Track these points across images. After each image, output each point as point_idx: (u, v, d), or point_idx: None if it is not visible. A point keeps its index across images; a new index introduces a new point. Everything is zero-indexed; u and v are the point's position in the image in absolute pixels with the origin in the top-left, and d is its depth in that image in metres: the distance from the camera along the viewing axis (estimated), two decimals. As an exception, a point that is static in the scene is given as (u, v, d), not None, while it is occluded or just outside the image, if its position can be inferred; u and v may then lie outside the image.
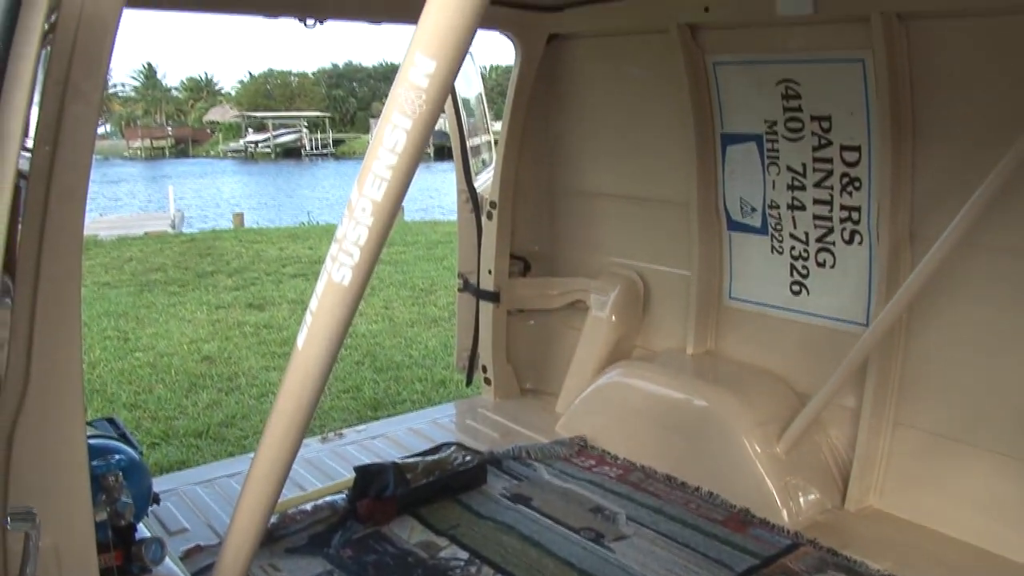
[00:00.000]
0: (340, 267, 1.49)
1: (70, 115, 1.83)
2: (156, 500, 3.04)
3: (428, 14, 1.35)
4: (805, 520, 3.86)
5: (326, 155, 69.05)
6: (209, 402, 7.66)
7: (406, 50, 1.39)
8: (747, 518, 3.91)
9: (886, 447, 3.97)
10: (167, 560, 2.48)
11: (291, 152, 68.68)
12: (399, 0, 4.32)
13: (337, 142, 72.79)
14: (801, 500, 3.93)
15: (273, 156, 67.42)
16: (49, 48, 1.81)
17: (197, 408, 7.50)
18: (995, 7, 3.30)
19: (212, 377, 8.38)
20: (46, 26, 1.64)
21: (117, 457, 2.61)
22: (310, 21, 4.21)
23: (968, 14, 3.42)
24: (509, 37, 4.98)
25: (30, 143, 1.79)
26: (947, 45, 3.55)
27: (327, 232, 19.11)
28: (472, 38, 1.38)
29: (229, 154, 70.98)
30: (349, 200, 1.47)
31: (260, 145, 69.47)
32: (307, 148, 69.65)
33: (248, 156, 68.49)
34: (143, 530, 2.68)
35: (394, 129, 1.39)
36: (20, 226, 1.84)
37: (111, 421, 4.02)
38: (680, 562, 3.56)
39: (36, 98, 1.73)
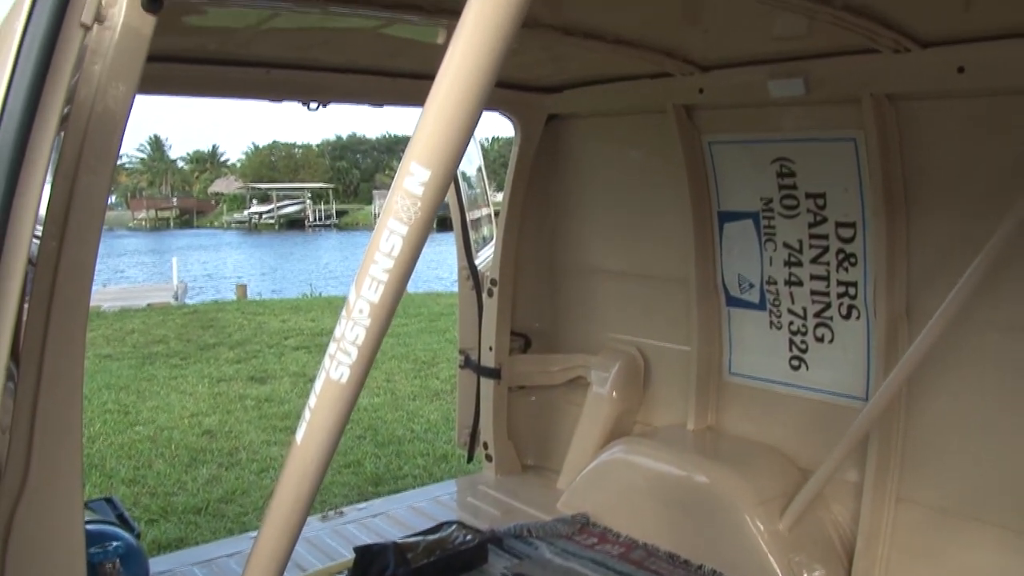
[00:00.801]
0: (338, 365, 1.52)
1: (80, 196, 1.89)
2: None
3: (423, 124, 1.40)
4: (811, 599, 3.82)
5: (329, 226, 69.64)
6: (209, 477, 7.62)
7: (402, 158, 1.44)
8: (751, 597, 3.87)
9: (890, 522, 3.93)
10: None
11: (295, 223, 69.31)
12: (399, 85, 4.43)
13: (340, 213, 73.49)
14: (805, 578, 3.88)
15: (277, 227, 68.03)
16: (63, 134, 1.88)
17: (197, 484, 7.46)
18: (980, 89, 3.38)
19: (212, 452, 8.34)
20: (65, 111, 1.70)
21: (115, 544, 2.60)
22: (313, 104, 4.32)
23: (954, 95, 3.51)
24: (509, 117, 5.09)
25: (39, 230, 1.85)
26: (936, 124, 3.63)
27: (330, 304, 19.18)
28: (466, 146, 1.44)
29: (233, 225, 71.66)
30: (347, 300, 1.51)
31: (264, 216, 70.15)
32: (311, 219, 70.30)
33: (252, 227, 69.12)
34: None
35: (390, 235, 1.44)
36: (26, 313, 1.88)
37: (109, 501, 4.01)
38: (684, 644, 3.50)
39: (48, 183, 1.79)
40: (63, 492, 1.90)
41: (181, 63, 3.79)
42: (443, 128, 1.38)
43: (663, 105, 4.45)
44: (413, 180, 1.41)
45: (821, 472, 3.95)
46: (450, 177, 1.44)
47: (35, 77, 1.48)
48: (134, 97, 1.95)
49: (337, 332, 1.52)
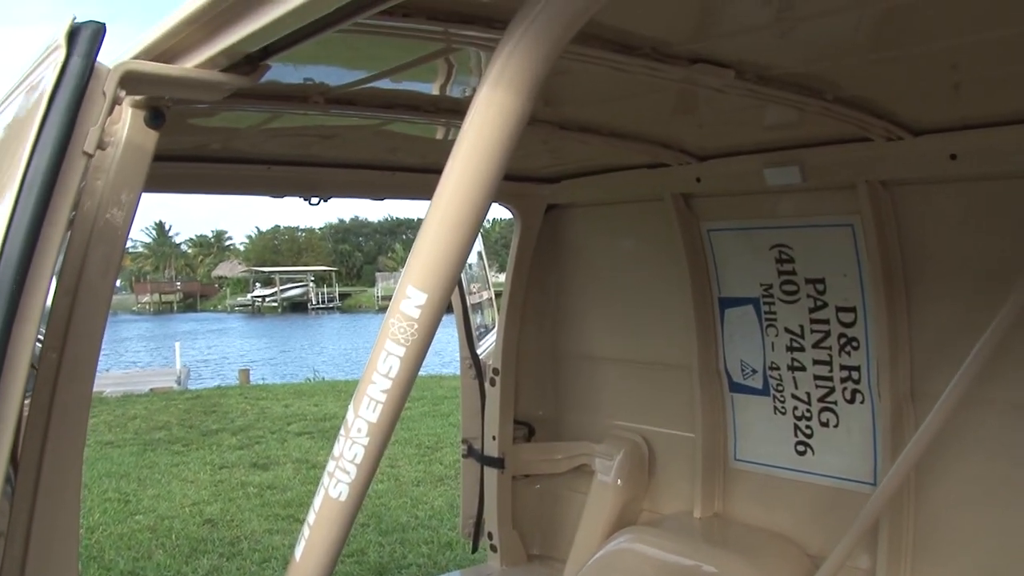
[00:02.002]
0: (337, 484, 1.54)
1: (82, 304, 1.92)
2: None
3: (419, 249, 1.45)
4: None
5: (332, 308, 69.84)
6: (210, 568, 7.52)
7: (399, 282, 1.49)
8: None
9: None
10: None
11: (297, 306, 69.56)
12: (398, 179, 4.51)
13: (343, 296, 73.81)
14: (820, 671, 3.80)
15: (280, 310, 68.27)
16: (67, 242, 1.92)
17: (198, 575, 7.34)
18: (973, 175, 3.44)
19: (214, 541, 8.25)
20: (70, 216, 1.75)
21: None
22: (314, 200, 4.39)
23: (948, 180, 3.56)
24: (509, 208, 5.16)
25: (43, 332, 1.87)
26: (932, 209, 3.68)
27: (333, 388, 19.15)
28: (462, 269, 1.48)
29: (236, 308, 71.93)
30: (345, 419, 1.55)
31: (267, 299, 70.44)
32: (313, 302, 70.55)
33: (255, 310, 69.35)
34: None
35: (388, 356, 1.47)
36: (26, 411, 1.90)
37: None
38: None
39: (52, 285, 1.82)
40: None
41: (183, 162, 3.87)
42: (439, 253, 1.43)
43: (661, 194, 4.52)
44: (410, 303, 1.45)
45: (832, 559, 3.89)
46: (446, 300, 1.48)
47: (39, 201, 1.52)
48: (137, 206, 2.00)
49: (336, 450, 1.54)
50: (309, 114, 3.15)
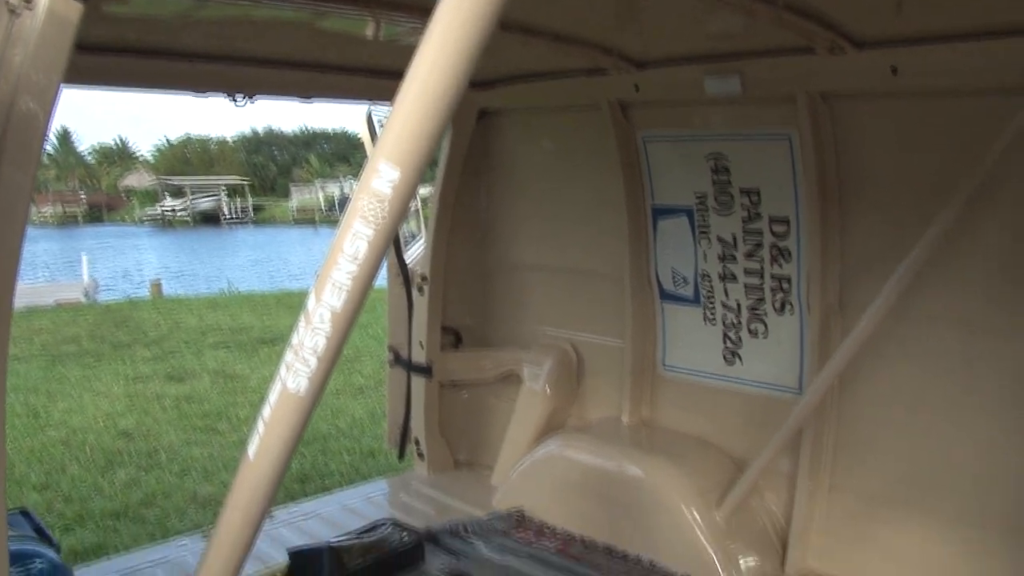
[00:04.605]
0: (296, 376, 1.45)
1: (1, 192, 1.77)
2: None
3: (393, 122, 1.34)
4: (747, 586, 3.87)
5: (246, 221, 68.24)
6: (127, 480, 7.37)
7: (369, 158, 1.38)
8: (689, 588, 3.90)
9: (823, 511, 4.01)
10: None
11: (210, 218, 67.70)
12: (329, 79, 4.33)
13: (257, 208, 72.05)
14: (742, 565, 3.93)
15: (191, 222, 66.35)
16: None
17: (114, 487, 7.21)
18: (912, 90, 3.46)
19: (130, 454, 8.09)
20: None
21: (38, 564, 2.45)
22: (240, 98, 4.17)
23: (885, 96, 3.58)
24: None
25: None
26: (870, 124, 3.70)
27: (249, 300, 18.81)
28: (436, 146, 1.38)
29: (146, 220, 69.60)
30: (305, 307, 1.44)
31: (178, 211, 68.33)
32: (226, 214, 68.75)
33: (165, 222, 67.25)
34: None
35: (355, 237, 1.38)
36: None
37: (24, 514, 3.77)
38: (625, 638, 3.51)
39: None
40: None
41: (101, 53, 3.61)
42: (415, 126, 1.33)
43: (598, 101, 4.45)
44: (381, 180, 1.35)
45: (757, 463, 4.00)
46: (419, 178, 1.39)
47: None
48: (60, 89, 1.84)
49: (295, 340, 1.44)
50: (237, 3, 2.96)
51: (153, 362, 12.17)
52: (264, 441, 1.48)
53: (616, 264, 4.68)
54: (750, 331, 4.28)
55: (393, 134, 1.34)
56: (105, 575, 4.05)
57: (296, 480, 7.24)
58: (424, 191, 6.60)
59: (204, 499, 6.90)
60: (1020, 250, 3.34)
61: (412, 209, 6.12)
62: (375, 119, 4.99)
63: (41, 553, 2.58)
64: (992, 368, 3.47)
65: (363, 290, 1.40)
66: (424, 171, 1.41)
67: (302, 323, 1.43)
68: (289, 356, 1.45)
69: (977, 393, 3.52)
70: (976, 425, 3.53)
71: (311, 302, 1.42)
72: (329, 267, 1.40)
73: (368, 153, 4.42)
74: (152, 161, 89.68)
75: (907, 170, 3.61)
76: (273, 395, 1.47)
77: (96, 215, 75.62)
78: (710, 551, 3.95)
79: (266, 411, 1.48)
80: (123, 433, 8.76)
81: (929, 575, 3.67)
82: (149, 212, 71.00)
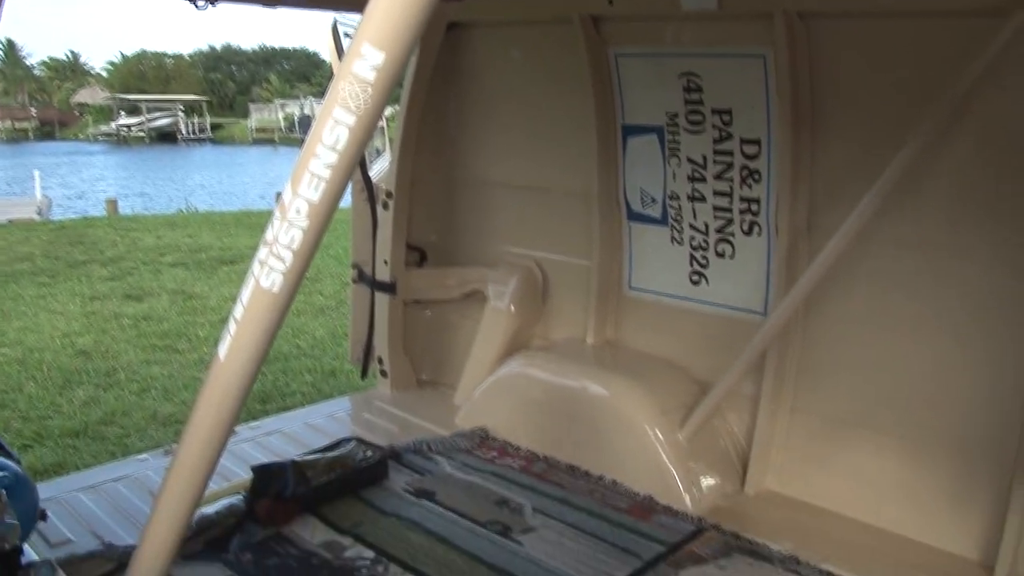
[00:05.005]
0: (269, 272, 1.38)
1: None
2: (43, 516, 2.82)
3: (379, 2, 1.26)
4: (707, 505, 3.93)
5: (204, 140, 66.95)
6: (86, 399, 7.28)
7: (352, 40, 1.30)
8: (651, 505, 3.95)
9: (783, 432, 4.07)
10: (58, 583, 2.29)
11: (167, 136, 66.34)
12: None
13: (215, 127, 70.64)
14: (703, 485, 3.99)
15: (148, 140, 64.97)
16: None
17: (73, 406, 7.12)
18: (889, 10, 3.40)
19: (88, 373, 7.97)
20: None
21: (0, 474, 2.40)
22: (201, 2, 3.99)
23: (865, 16, 3.52)
24: (408, 23, 4.86)
25: None
26: (846, 44, 3.64)
27: (207, 220, 18.51)
28: (423, 29, 1.30)
29: (100, 138, 68.00)
30: (281, 200, 1.36)
31: (134, 129, 66.77)
32: (183, 133, 67.35)
33: (121, 140, 65.75)
34: (29, 551, 2.47)
35: (335, 125, 1.29)
36: None
37: (-17, 430, 3.73)
38: (588, 552, 3.55)
39: None
40: None
41: None
42: (401, 6, 1.25)
43: (569, 15, 4.33)
44: (364, 64, 1.27)
45: (720, 385, 4.03)
46: (405, 63, 1.31)
47: None
48: None
49: (269, 235, 1.37)
50: None
51: (110, 281, 11.96)
52: (236, 341, 1.43)
53: (584, 183, 4.62)
54: (717, 253, 4.27)
55: (378, 14, 1.26)
56: (67, 491, 4.00)
57: (257, 400, 7.20)
58: (389, 111, 6.44)
59: (165, 418, 6.85)
60: (989, 173, 3.35)
61: (377, 127, 5.98)
62: (341, 31, 4.82)
63: (4, 465, 2.52)
64: (953, 290, 3.50)
65: (343, 182, 1.33)
66: (409, 55, 1.34)
67: (277, 217, 1.36)
68: (263, 252, 1.38)
69: (938, 315, 3.56)
70: (935, 347, 3.58)
71: (287, 194, 1.35)
72: (307, 157, 1.32)
73: (334, 68, 4.27)
74: (106, 77, 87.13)
75: (880, 93, 3.57)
76: (246, 293, 1.40)
77: (48, 131, 73.66)
78: (672, 471, 3.99)
79: (238, 310, 1.42)
80: (81, 352, 8.63)
81: (885, 494, 3.76)
82: (104, 129, 69.28)
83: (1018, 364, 3.34)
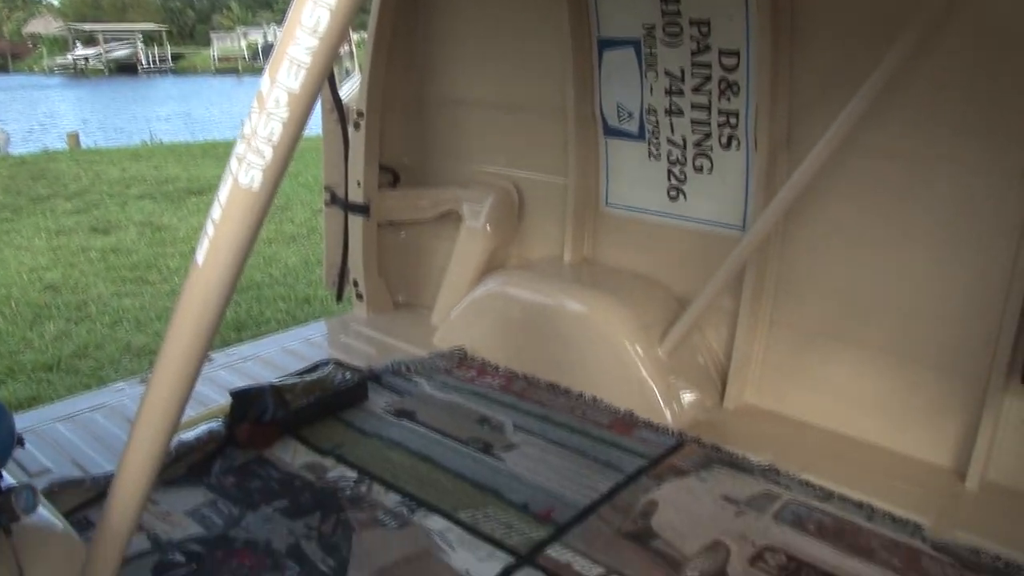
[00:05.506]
0: (248, 168, 1.30)
1: None
2: (20, 442, 2.76)
3: None
4: (687, 420, 3.95)
5: (165, 71, 65.30)
6: (57, 333, 7.18)
7: None
8: (632, 420, 3.97)
9: (762, 346, 4.09)
10: (39, 508, 2.25)
11: (126, 68, 64.54)
12: None
13: (176, 57, 68.81)
14: (683, 400, 4.01)
15: (107, 72, 63.20)
16: None
17: (44, 340, 7.01)
18: None
19: (58, 307, 7.85)
20: None
21: (-25, 404, 2.33)
22: None
23: None
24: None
25: None
26: None
27: (172, 151, 18.14)
28: None
29: (56, 70, 66.03)
30: (259, 91, 1.28)
31: (91, 60, 64.87)
32: (144, 63, 65.60)
33: (78, 72, 63.92)
34: (6, 477, 2.43)
35: (316, 6, 1.21)
36: None
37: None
38: (571, 467, 3.57)
39: None
40: None
41: None
42: None
43: None
44: None
45: (700, 300, 4.02)
46: None
47: None
48: None
49: (246, 129, 1.29)
50: None
51: (75, 215, 11.72)
52: (215, 243, 1.36)
53: (559, 99, 4.54)
54: (695, 167, 4.22)
55: None
56: (44, 420, 3.96)
57: (231, 328, 7.14)
58: (357, 37, 6.27)
59: (138, 349, 6.78)
60: (970, 80, 3.30)
61: (346, 50, 5.83)
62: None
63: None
64: (930, 203, 3.49)
65: (324, 68, 1.26)
66: None
67: (255, 109, 1.28)
68: (240, 148, 1.30)
69: (914, 228, 3.56)
70: (911, 261, 3.59)
71: (264, 84, 1.27)
72: (286, 43, 1.24)
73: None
74: (58, 6, 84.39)
75: (861, 4, 3.49)
76: (223, 192, 1.33)
77: (0, 64, 71.46)
78: (652, 386, 4.01)
79: (216, 211, 1.35)
80: (49, 286, 8.48)
81: (861, 405, 3.80)
82: (60, 61, 67.25)
83: (994, 277, 3.35)
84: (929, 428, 3.62)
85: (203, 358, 1.51)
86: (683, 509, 3.28)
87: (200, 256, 1.39)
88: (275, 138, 1.28)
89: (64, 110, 38.54)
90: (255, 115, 1.28)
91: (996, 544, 3.03)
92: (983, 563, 2.96)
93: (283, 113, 1.27)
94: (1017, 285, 3.26)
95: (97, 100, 43.27)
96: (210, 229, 1.37)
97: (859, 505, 3.29)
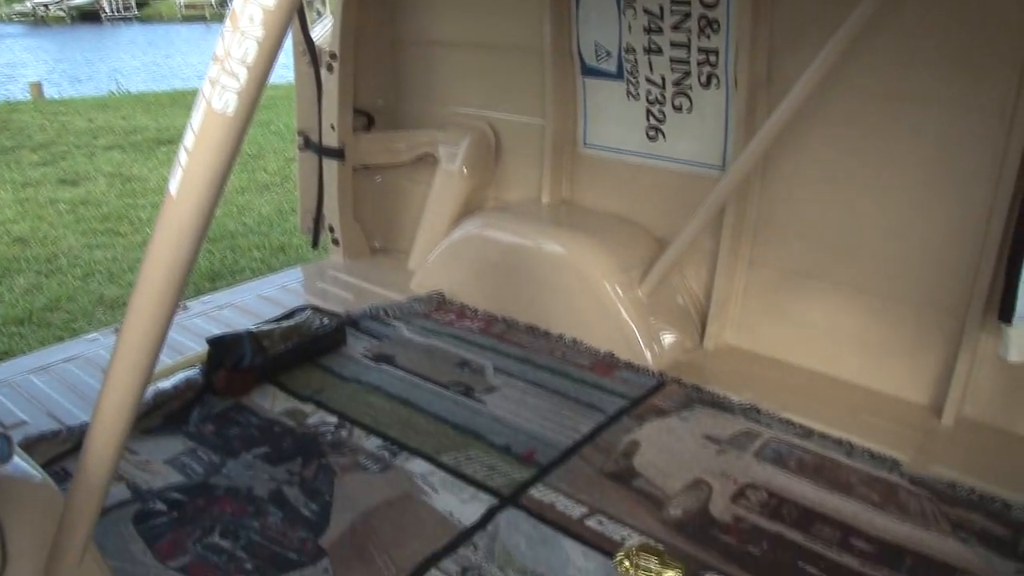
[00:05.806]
0: (222, 92, 1.22)
1: None
2: None
3: None
4: (668, 360, 3.96)
5: (130, 18, 63.72)
6: (28, 287, 7.06)
7: None
8: (612, 361, 3.97)
9: (741, 286, 4.08)
10: (14, 456, 2.21)
11: (89, 15, 62.87)
12: None
13: (141, 4, 67.09)
14: (663, 341, 4.01)
15: (69, 20, 61.59)
16: None
17: (14, 294, 6.90)
18: None
19: (28, 260, 7.71)
20: None
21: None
22: None
23: None
24: None
25: None
26: None
27: (140, 101, 17.78)
28: None
29: (15, 18, 64.28)
30: (232, 8, 1.21)
31: (52, 8, 63.16)
32: (107, 11, 63.96)
33: (38, 20, 62.27)
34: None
35: None
36: None
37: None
38: (552, 408, 3.57)
39: None
40: None
41: None
42: None
43: None
44: None
45: (679, 240, 4.00)
46: None
47: None
48: None
49: (219, 50, 1.21)
50: None
51: (42, 166, 11.48)
52: (188, 172, 1.29)
53: (535, 37, 4.45)
54: (674, 107, 4.17)
55: None
56: (17, 372, 3.89)
57: (206, 278, 7.06)
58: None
59: (111, 301, 6.70)
60: (954, 17, 3.25)
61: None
62: None
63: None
64: (909, 141, 3.46)
65: None
66: None
67: (228, 29, 1.20)
68: (214, 70, 1.23)
69: (893, 167, 3.53)
70: (890, 199, 3.57)
71: (237, 1, 1.20)
72: None
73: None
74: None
75: None
76: (196, 118, 1.26)
77: (-41, 13, 69.44)
78: (632, 327, 4.00)
79: (188, 138, 1.28)
80: (18, 239, 8.33)
81: (839, 344, 3.82)
82: (18, 8, 65.36)
83: (972, 215, 3.35)
84: (907, 366, 3.65)
85: (179, 294, 1.46)
86: (665, 449, 3.29)
87: (173, 187, 1.32)
88: (250, 59, 1.21)
89: (25, 59, 37.59)
90: (228, 35, 1.21)
91: (971, 478, 3.07)
92: (958, 496, 3.00)
93: (258, 31, 1.19)
94: (995, 223, 3.26)
95: (60, 50, 42.22)
96: (183, 158, 1.30)
97: (838, 442, 3.31)
